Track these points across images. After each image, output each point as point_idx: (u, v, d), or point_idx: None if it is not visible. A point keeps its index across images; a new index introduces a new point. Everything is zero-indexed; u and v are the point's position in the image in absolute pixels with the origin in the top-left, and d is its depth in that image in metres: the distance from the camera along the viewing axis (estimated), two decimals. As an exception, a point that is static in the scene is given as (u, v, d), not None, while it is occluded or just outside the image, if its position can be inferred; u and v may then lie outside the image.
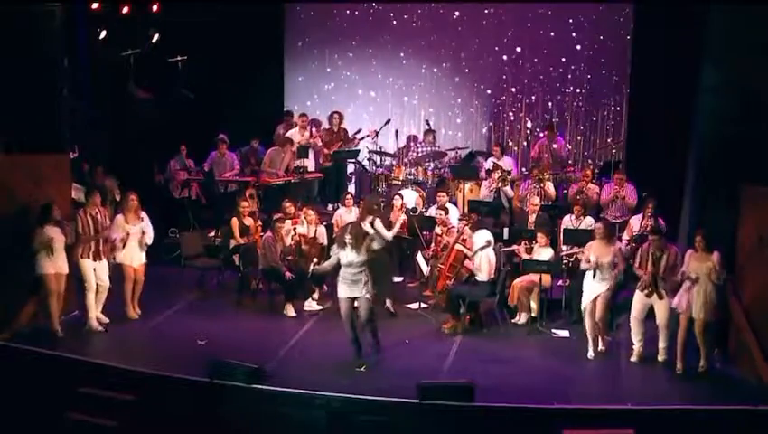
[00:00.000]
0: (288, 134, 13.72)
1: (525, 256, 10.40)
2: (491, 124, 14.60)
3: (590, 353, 9.33)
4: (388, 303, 10.56)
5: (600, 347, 9.39)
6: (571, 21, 14.08)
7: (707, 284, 8.78)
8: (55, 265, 9.51)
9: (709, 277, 8.76)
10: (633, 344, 9.30)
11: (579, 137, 14.27)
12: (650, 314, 9.25)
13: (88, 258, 9.85)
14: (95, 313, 9.89)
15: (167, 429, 8.12)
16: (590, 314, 9.31)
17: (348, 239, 8.82)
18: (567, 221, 11.15)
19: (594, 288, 9.29)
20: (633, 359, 9.26)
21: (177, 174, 13.53)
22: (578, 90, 14.20)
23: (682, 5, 11.44)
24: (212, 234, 12.34)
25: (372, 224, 10.44)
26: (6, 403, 8.34)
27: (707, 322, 8.83)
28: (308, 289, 10.67)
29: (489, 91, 14.59)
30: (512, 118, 14.54)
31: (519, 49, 14.33)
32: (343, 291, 8.90)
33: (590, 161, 13.95)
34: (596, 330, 9.34)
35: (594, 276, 9.26)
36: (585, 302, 9.34)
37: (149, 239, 10.26)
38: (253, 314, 10.59)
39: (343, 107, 14.62)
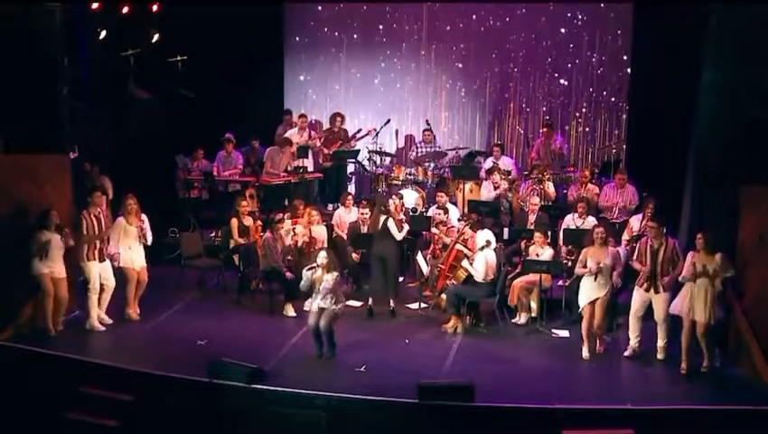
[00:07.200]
0: (287, 134, 13.71)
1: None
2: (490, 122, 14.60)
3: (585, 353, 9.33)
4: (392, 303, 10.56)
5: (598, 349, 9.39)
6: (571, 21, 14.07)
7: (708, 285, 8.75)
8: (51, 268, 9.48)
9: (712, 278, 8.73)
10: (630, 340, 9.32)
11: (579, 137, 14.27)
12: (649, 314, 9.25)
13: (94, 259, 9.86)
14: (97, 313, 9.89)
15: (167, 429, 8.14)
16: (588, 316, 9.28)
17: (321, 261, 9.01)
18: (569, 221, 11.12)
19: (593, 291, 9.24)
20: (627, 354, 9.28)
21: (178, 173, 13.53)
22: (578, 90, 14.18)
23: (682, 5, 11.43)
24: (213, 234, 12.33)
25: (386, 223, 10.43)
26: (6, 403, 8.35)
27: (709, 324, 8.80)
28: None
29: (489, 91, 14.57)
30: (512, 118, 14.53)
31: (518, 48, 14.31)
32: (315, 304, 9.10)
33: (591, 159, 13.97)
34: (592, 331, 9.32)
35: (595, 278, 9.23)
36: (583, 303, 9.32)
37: (148, 240, 10.29)
38: (253, 314, 10.58)
39: (344, 107, 14.62)
